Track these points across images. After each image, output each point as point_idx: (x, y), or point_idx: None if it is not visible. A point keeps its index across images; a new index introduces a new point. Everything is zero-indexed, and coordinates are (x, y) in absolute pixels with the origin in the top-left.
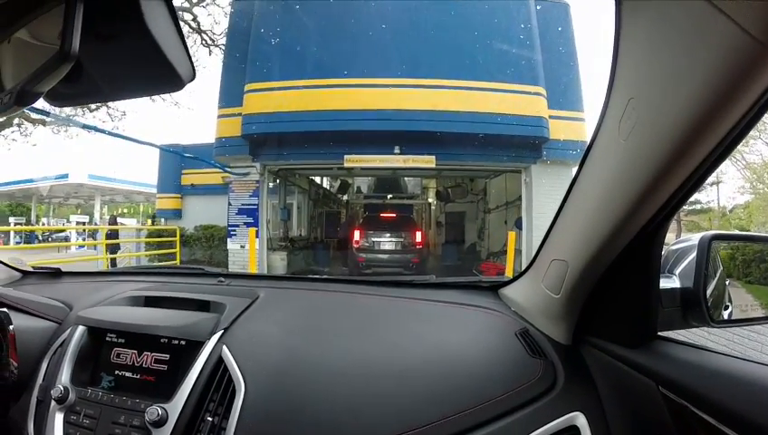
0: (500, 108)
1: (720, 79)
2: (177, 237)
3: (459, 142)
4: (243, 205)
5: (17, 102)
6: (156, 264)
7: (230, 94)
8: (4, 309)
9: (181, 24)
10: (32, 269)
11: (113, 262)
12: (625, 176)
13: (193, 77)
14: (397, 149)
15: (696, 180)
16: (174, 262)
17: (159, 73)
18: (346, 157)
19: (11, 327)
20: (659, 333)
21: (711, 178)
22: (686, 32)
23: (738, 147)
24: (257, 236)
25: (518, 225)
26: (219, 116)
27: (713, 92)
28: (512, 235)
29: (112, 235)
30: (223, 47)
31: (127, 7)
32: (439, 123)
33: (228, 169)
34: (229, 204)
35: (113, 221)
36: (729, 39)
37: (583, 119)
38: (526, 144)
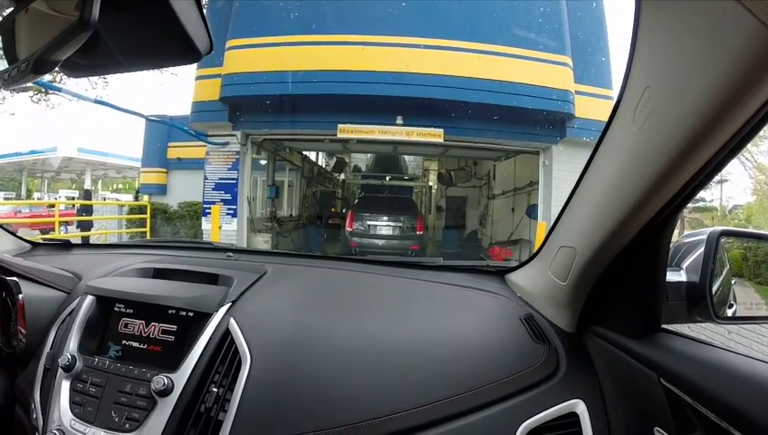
0: (520, 77)
1: (737, 71)
2: (149, 214)
3: (471, 114)
4: (220, 179)
5: (34, 70)
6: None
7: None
8: (14, 278)
9: None
10: (41, 241)
11: (86, 240)
12: (637, 165)
13: (210, 49)
14: (399, 120)
15: (707, 174)
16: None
17: (176, 45)
18: (340, 126)
19: (20, 296)
20: (663, 326)
21: (716, 177)
22: (706, 23)
23: (749, 146)
24: (234, 216)
25: (530, 213)
26: (197, 78)
27: (729, 85)
28: (541, 225)
29: (86, 211)
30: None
31: None
32: (449, 90)
33: (204, 139)
34: (205, 178)
35: (87, 196)
36: (748, 32)
37: (612, 97)
38: (548, 120)
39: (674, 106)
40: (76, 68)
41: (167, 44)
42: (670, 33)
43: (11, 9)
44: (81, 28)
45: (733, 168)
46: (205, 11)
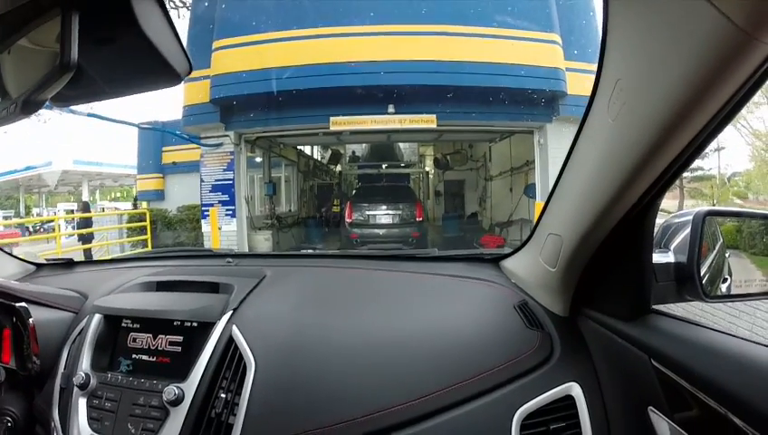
0: (509, 57)
1: (704, 65)
2: (148, 221)
3: (463, 98)
4: (216, 180)
5: (23, 111)
6: (139, 250)
7: (198, 55)
8: (23, 303)
9: None
10: (45, 261)
11: (88, 253)
12: (614, 156)
13: (189, 71)
14: (391, 108)
15: (685, 160)
16: (147, 248)
17: (157, 70)
18: (332, 119)
19: (30, 320)
20: (654, 307)
21: (713, 145)
22: (672, 17)
23: (744, 112)
24: (234, 216)
25: (529, 193)
26: (186, 81)
27: (697, 77)
28: (539, 205)
29: (85, 223)
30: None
31: (121, 12)
32: (439, 76)
33: (198, 141)
34: (202, 180)
35: (85, 208)
36: (713, 26)
37: None
38: (540, 99)
39: (644, 99)
40: (63, 99)
41: (147, 71)
42: (638, 28)
43: None
44: (63, 70)
45: (729, 135)
46: (188, 17)
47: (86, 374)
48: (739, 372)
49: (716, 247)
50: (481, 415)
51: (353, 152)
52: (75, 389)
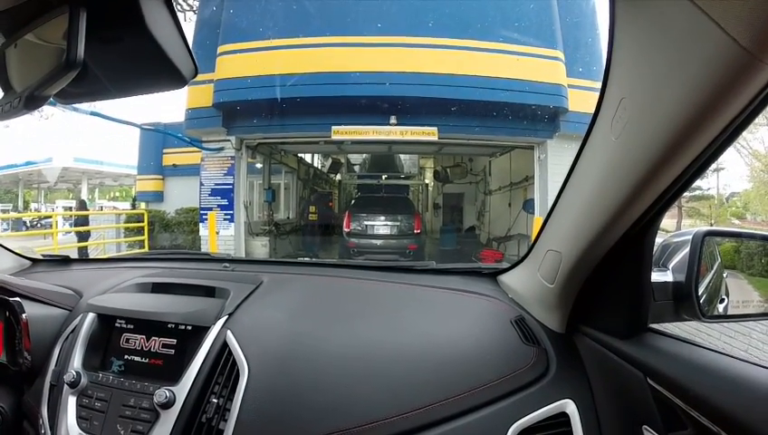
0: (513, 72)
1: (708, 84)
2: (146, 222)
3: (465, 112)
4: (216, 185)
5: (26, 106)
6: (136, 250)
7: (202, 58)
8: (17, 298)
9: None
10: (41, 257)
11: (84, 250)
12: (616, 174)
13: (195, 74)
14: (393, 120)
15: (686, 180)
16: (143, 249)
17: (162, 72)
18: (333, 128)
19: (24, 315)
20: (651, 326)
21: (712, 165)
22: (678, 37)
23: (744, 133)
24: (232, 221)
25: (527, 208)
26: (189, 83)
27: (701, 97)
28: (537, 220)
29: (82, 221)
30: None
31: (128, 11)
32: (442, 89)
33: (199, 145)
34: (201, 184)
35: (82, 206)
36: (718, 46)
37: None
38: (542, 115)
39: (648, 117)
40: (67, 96)
41: (153, 72)
42: (643, 47)
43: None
44: (69, 67)
45: (728, 155)
46: (194, 21)
47: (77, 373)
48: (735, 393)
49: (714, 267)
50: (475, 430)
51: (352, 165)
52: (65, 387)
